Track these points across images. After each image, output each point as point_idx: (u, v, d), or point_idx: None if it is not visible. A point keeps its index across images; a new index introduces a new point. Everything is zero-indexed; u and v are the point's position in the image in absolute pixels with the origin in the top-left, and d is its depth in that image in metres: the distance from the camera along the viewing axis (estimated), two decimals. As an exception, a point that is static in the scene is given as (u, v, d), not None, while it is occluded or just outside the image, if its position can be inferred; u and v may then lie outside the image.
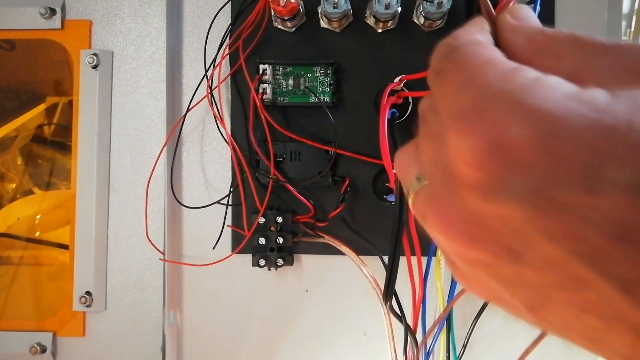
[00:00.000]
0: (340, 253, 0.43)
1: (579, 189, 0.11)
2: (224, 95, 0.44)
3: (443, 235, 0.15)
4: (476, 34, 0.17)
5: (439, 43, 0.17)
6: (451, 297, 0.39)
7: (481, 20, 0.19)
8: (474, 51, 0.15)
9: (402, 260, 0.36)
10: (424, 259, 0.38)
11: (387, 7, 0.39)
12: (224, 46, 0.43)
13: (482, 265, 0.15)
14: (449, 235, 0.15)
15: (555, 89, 0.12)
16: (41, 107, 0.57)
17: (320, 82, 0.42)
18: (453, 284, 0.39)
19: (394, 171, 0.34)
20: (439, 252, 0.40)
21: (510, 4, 0.19)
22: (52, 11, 0.44)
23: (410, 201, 0.18)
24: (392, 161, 0.34)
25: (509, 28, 0.18)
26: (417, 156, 0.18)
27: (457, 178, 0.14)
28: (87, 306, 0.44)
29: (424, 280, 0.38)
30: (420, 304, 0.38)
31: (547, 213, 0.12)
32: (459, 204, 0.14)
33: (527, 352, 0.38)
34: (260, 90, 0.41)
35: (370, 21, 0.42)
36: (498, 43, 0.18)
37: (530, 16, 0.18)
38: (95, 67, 0.44)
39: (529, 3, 0.39)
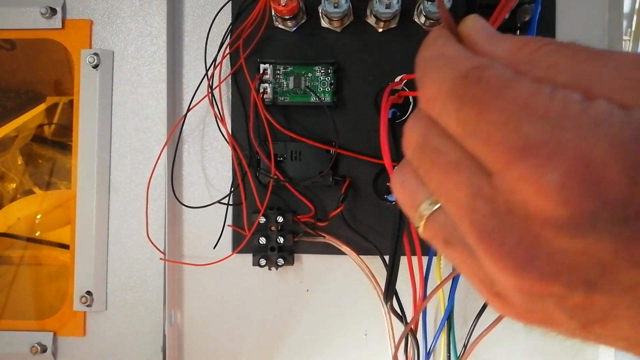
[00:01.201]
0: (341, 253, 0.43)
1: None
2: (224, 94, 0.44)
3: (508, 273, 0.14)
4: (463, 49, 0.17)
5: (428, 65, 0.16)
6: (452, 297, 0.39)
7: (446, 31, 0.18)
8: (499, 73, 0.14)
9: (403, 260, 0.36)
10: (425, 259, 0.38)
11: (387, 6, 0.39)
12: (224, 46, 0.43)
13: (550, 298, 0.14)
14: (517, 274, 0.14)
15: (616, 115, 0.12)
16: (41, 107, 0.57)
17: (320, 81, 0.42)
18: (453, 284, 0.39)
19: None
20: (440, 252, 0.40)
21: (468, 16, 0.18)
22: (53, 11, 0.44)
23: (420, 225, 0.17)
24: (393, 161, 0.34)
25: (484, 40, 0.17)
26: (420, 180, 0.17)
27: (529, 215, 0.13)
28: (88, 306, 0.44)
29: (425, 279, 0.38)
30: (421, 303, 0.38)
31: (634, 241, 0.12)
32: (531, 241, 0.13)
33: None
34: (261, 90, 0.41)
35: (371, 21, 0.42)
36: None
37: (490, 26, 0.17)
38: (95, 66, 0.44)
39: (529, 3, 0.39)
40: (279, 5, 0.39)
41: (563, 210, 0.12)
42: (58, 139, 0.57)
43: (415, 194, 0.17)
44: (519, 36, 0.16)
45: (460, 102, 0.14)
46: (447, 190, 0.15)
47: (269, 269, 0.44)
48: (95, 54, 0.44)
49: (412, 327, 0.39)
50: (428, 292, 0.38)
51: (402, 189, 0.18)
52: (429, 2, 0.39)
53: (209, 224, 0.45)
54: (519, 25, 0.40)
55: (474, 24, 0.17)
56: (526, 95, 0.13)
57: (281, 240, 0.42)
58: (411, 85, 0.39)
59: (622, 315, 0.14)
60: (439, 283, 0.40)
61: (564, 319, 0.14)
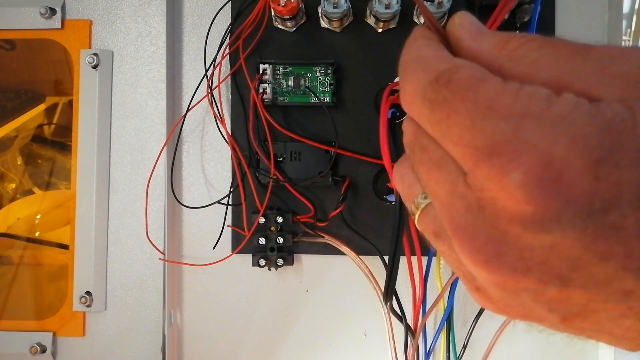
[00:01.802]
0: (341, 253, 0.43)
1: (632, 209, 0.12)
2: (224, 95, 0.44)
3: (480, 268, 0.14)
4: (441, 49, 0.17)
5: (407, 68, 0.16)
6: (451, 298, 0.39)
7: (427, 31, 0.18)
8: (468, 74, 0.14)
9: (403, 260, 0.36)
10: (424, 259, 0.38)
11: (387, 6, 0.39)
12: (224, 46, 0.43)
13: (525, 292, 0.14)
14: (488, 268, 0.14)
15: (581, 110, 0.12)
16: (41, 107, 0.57)
17: (320, 81, 0.42)
18: (453, 284, 0.39)
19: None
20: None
21: (457, 13, 0.18)
22: (52, 11, 0.44)
23: (416, 217, 0.18)
24: (392, 161, 0.34)
25: (469, 37, 0.17)
26: (415, 175, 0.18)
27: (498, 212, 0.13)
28: (87, 306, 0.44)
29: (424, 280, 0.38)
30: (421, 304, 0.38)
31: (601, 236, 0.12)
32: (500, 237, 0.14)
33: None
34: (261, 90, 0.41)
35: (371, 21, 0.42)
36: (454, 54, 0.17)
37: (478, 23, 0.17)
38: (95, 66, 0.44)
39: (528, 3, 0.39)
40: (279, 5, 0.39)
41: (527, 207, 0.13)
42: (58, 139, 0.57)
43: (412, 187, 0.18)
44: (503, 33, 0.16)
45: (432, 106, 0.15)
46: (431, 186, 0.16)
47: (269, 269, 0.44)
48: (95, 54, 0.44)
49: (412, 327, 0.39)
50: (428, 293, 0.38)
51: (401, 182, 0.19)
52: (429, 2, 0.39)
53: (208, 224, 0.45)
54: (518, 25, 0.40)
55: (461, 21, 0.18)
56: (491, 95, 0.13)
57: (281, 240, 0.42)
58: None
59: (600, 309, 0.14)
60: (438, 284, 0.40)
61: (543, 312, 0.15)
